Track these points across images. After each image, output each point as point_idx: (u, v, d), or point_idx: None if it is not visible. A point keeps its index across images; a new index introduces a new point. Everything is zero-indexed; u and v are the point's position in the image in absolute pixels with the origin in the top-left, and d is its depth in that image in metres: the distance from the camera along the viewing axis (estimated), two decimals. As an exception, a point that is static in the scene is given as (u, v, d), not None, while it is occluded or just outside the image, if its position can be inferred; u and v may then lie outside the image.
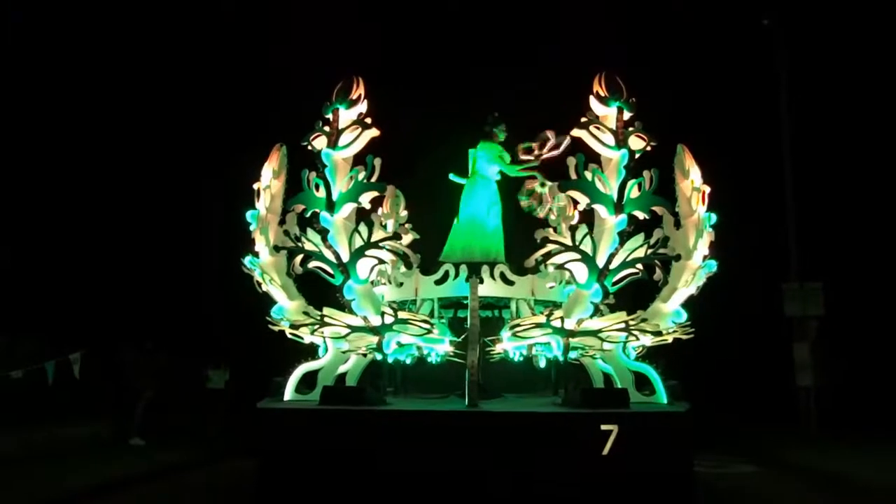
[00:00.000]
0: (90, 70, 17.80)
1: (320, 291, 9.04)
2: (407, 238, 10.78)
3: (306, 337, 8.93)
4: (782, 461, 11.29)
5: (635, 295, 9.22)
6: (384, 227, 8.46)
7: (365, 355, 9.09)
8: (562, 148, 9.79)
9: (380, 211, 10.86)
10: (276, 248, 8.70)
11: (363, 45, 16.21)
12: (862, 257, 16.40)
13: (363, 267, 8.05)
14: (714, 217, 9.21)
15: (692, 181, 9.23)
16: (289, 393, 8.71)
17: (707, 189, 9.25)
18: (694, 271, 8.94)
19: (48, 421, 13.42)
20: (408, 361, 10.11)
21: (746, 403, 15.08)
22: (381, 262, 8.17)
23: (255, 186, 9.31)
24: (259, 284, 9.16)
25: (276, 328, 8.99)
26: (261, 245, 9.07)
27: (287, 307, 9.08)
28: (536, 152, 10.05)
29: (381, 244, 7.98)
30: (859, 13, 16.28)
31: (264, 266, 9.00)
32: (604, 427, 7.35)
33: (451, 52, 16.49)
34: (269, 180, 9.33)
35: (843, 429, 13.90)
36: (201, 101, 17.67)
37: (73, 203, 18.11)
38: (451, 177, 10.53)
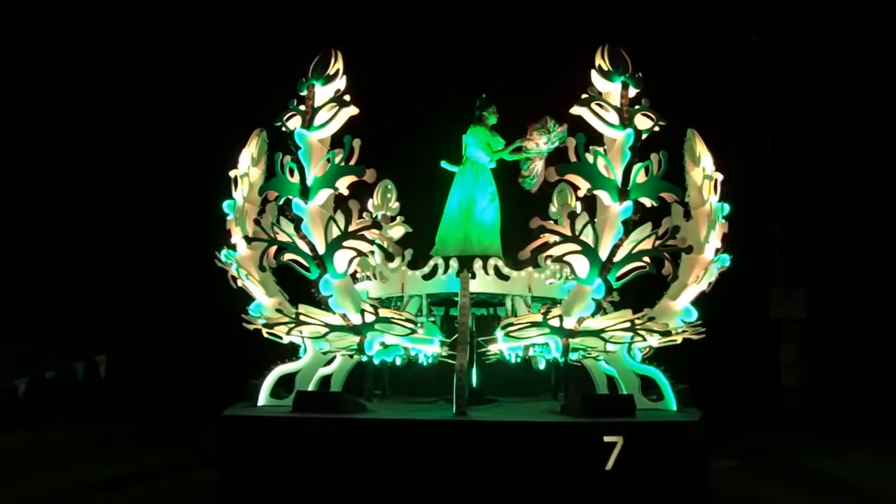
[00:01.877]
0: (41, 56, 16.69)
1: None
2: (398, 231, 9.68)
3: (285, 337, 7.81)
4: (770, 460, 10.55)
5: (640, 291, 8.01)
6: (374, 217, 7.29)
7: (351, 356, 7.96)
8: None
9: (370, 203, 9.81)
10: (249, 240, 7.57)
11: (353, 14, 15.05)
12: (846, 261, 15.84)
13: (341, 259, 6.88)
14: (727, 207, 8.03)
15: (703, 168, 8.09)
16: (263, 398, 7.61)
17: (720, 177, 8.06)
18: (705, 266, 7.79)
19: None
20: (398, 362, 8.92)
21: (734, 403, 14.16)
22: (361, 254, 6.96)
23: (232, 174, 8.23)
24: (234, 279, 8.06)
25: (251, 327, 7.87)
26: (238, 237, 8.03)
27: (265, 304, 7.98)
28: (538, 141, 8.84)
29: (360, 234, 6.76)
30: (846, 26, 15.47)
31: (241, 260, 7.94)
32: (607, 439, 6.14)
33: (449, 27, 15.25)
34: (248, 167, 8.28)
35: (829, 428, 13.38)
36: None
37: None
38: (443, 164, 9.35)
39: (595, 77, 7.08)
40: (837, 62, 15.85)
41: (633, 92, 7.01)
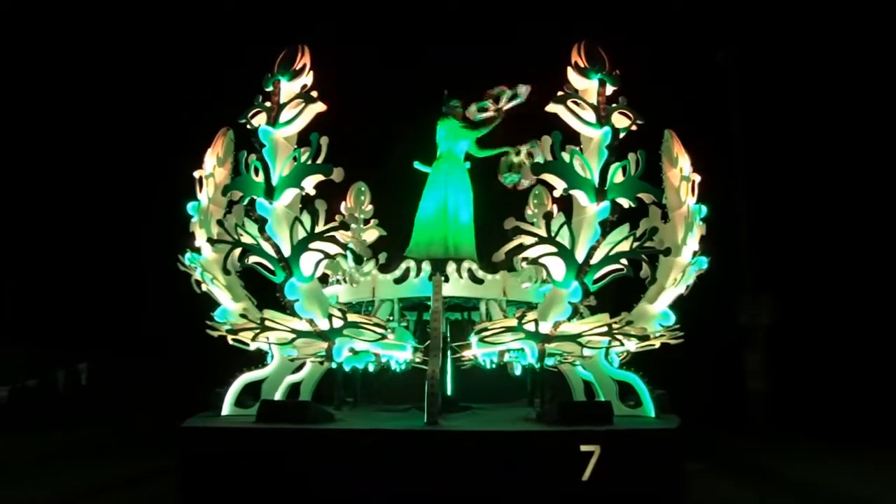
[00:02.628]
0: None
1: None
2: (372, 234, 9.28)
3: (251, 343, 7.36)
4: (736, 464, 10.21)
5: (618, 295, 7.70)
6: (343, 219, 6.90)
7: (321, 363, 7.54)
8: (522, 96, 8.39)
9: (343, 205, 9.40)
10: (213, 242, 7.12)
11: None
12: (809, 268, 15.86)
13: (307, 262, 6.47)
14: (705, 209, 7.76)
15: (681, 169, 7.83)
16: (227, 407, 7.16)
17: (697, 178, 7.80)
18: (683, 268, 7.52)
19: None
20: (370, 369, 8.51)
21: (699, 408, 14.03)
22: (329, 256, 6.56)
23: (197, 175, 7.80)
24: (198, 284, 7.60)
25: (215, 333, 7.42)
26: (202, 240, 7.57)
27: (231, 309, 7.54)
28: (494, 107, 8.57)
29: (328, 235, 6.36)
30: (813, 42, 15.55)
31: (206, 264, 7.50)
32: (584, 448, 5.79)
33: (425, 30, 14.93)
34: (213, 168, 7.86)
35: (792, 432, 13.21)
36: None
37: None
38: (416, 165, 8.98)
39: (571, 74, 6.77)
40: (807, 70, 15.79)
41: (610, 90, 6.70)
